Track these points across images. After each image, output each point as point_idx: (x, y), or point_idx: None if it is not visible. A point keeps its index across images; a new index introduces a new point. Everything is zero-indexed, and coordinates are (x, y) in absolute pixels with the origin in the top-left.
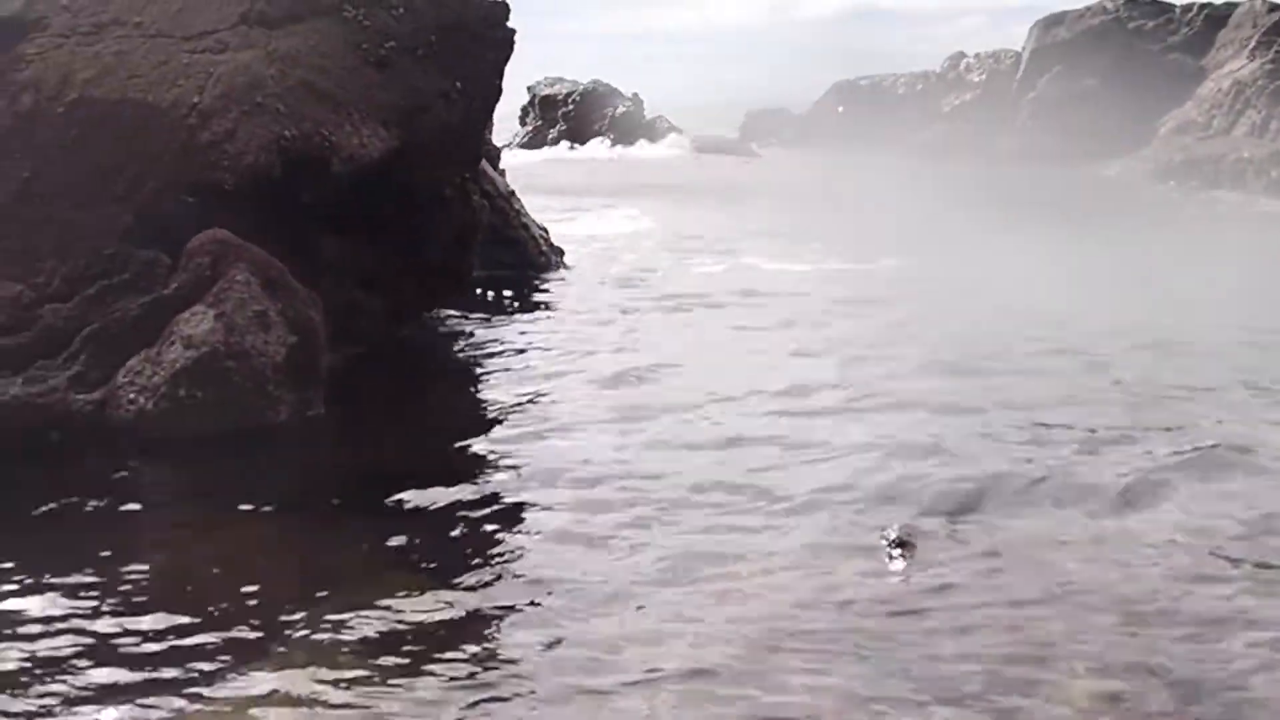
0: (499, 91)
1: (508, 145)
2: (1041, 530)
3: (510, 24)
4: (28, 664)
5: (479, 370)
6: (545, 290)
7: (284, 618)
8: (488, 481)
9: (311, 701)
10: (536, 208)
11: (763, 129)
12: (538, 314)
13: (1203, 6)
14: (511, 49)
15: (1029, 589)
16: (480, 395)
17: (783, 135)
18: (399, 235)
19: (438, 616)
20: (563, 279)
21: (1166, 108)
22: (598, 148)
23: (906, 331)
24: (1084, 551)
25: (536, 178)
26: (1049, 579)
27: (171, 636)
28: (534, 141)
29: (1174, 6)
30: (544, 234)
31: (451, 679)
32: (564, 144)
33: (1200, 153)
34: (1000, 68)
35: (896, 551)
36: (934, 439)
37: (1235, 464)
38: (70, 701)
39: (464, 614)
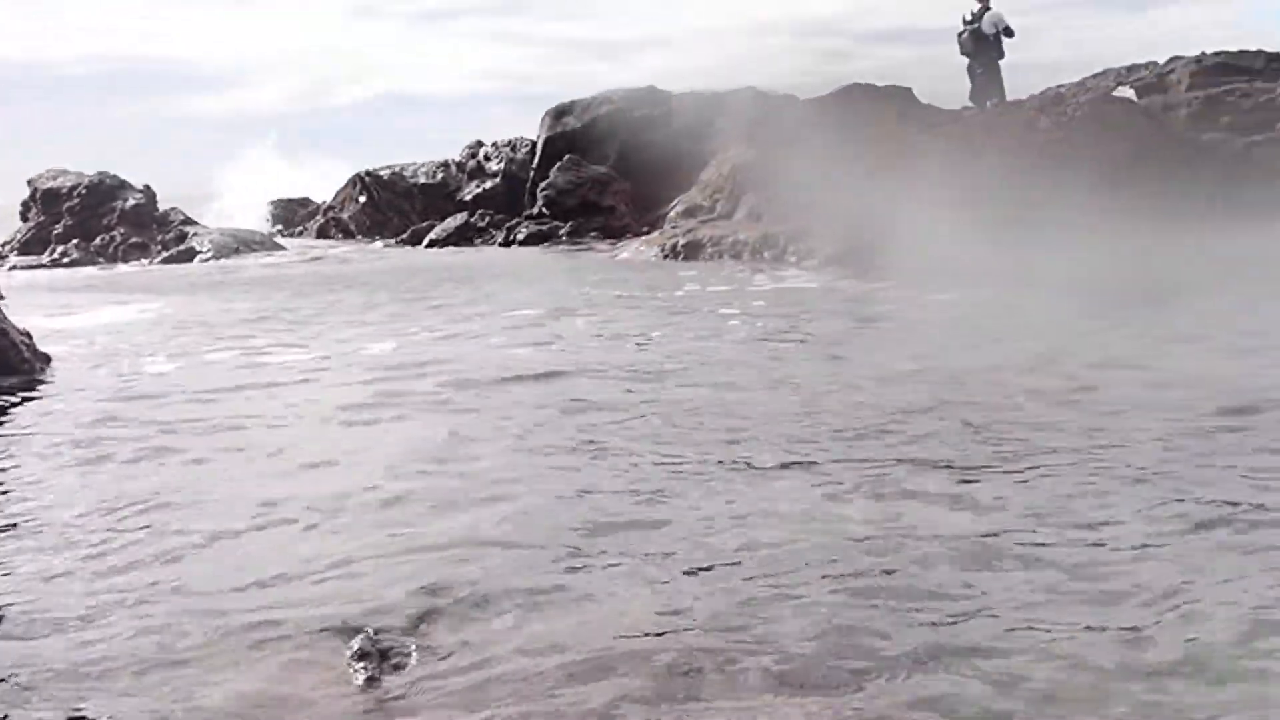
0: None
1: (8, 243)
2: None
3: None
4: None
5: None
6: (19, 400)
7: None
8: None
9: None
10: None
11: (288, 218)
12: (4, 429)
13: (698, 95)
14: None
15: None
16: None
17: (308, 225)
18: None
19: None
20: (43, 385)
21: (675, 193)
22: (103, 246)
23: (389, 429)
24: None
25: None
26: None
27: None
28: (37, 238)
29: (673, 95)
30: (26, 339)
31: None
32: (72, 241)
33: (703, 235)
34: (517, 156)
35: (360, 664)
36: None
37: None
38: None
39: None
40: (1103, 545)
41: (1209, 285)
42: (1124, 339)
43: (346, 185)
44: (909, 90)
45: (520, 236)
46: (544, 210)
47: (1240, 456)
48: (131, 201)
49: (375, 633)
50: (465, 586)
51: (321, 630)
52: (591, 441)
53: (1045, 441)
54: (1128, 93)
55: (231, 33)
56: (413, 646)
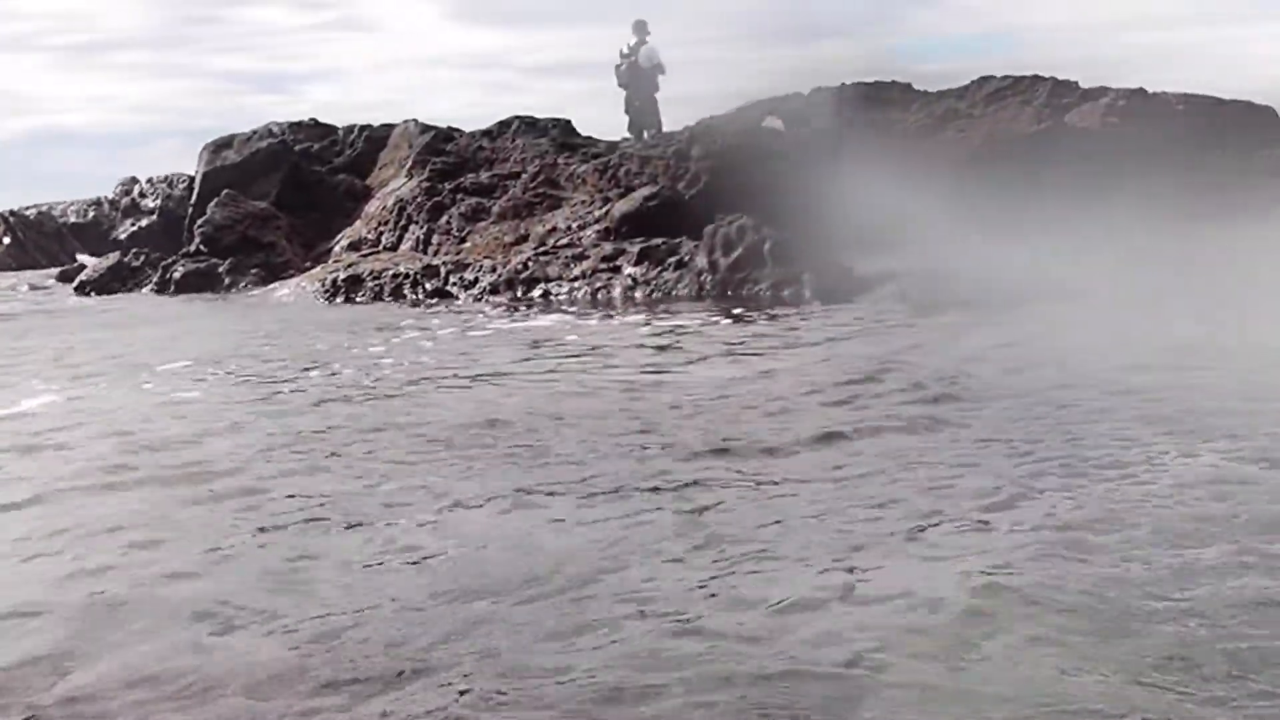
0: None
1: None
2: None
3: None
4: None
5: None
6: None
7: None
8: None
9: None
10: None
11: None
12: None
13: (363, 128)
14: None
15: None
16: None
17: None
18: None
19: None
20: None
21: (341, 226)
22: None
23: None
24: None
25: None
26: None
27: None
28: None
29: (337, 129)
30: None
31: None
32: None
33: (365, 269)
34: (175, 192)
35: None
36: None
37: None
38: None
39: None
40: None
41: None
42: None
43: None
44: (569, 122)
45: (177, 275)
46: (202, 248)
47: None
48: None
49: None
50: None
51: None
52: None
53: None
54: (776, 123)
55: None
56: None
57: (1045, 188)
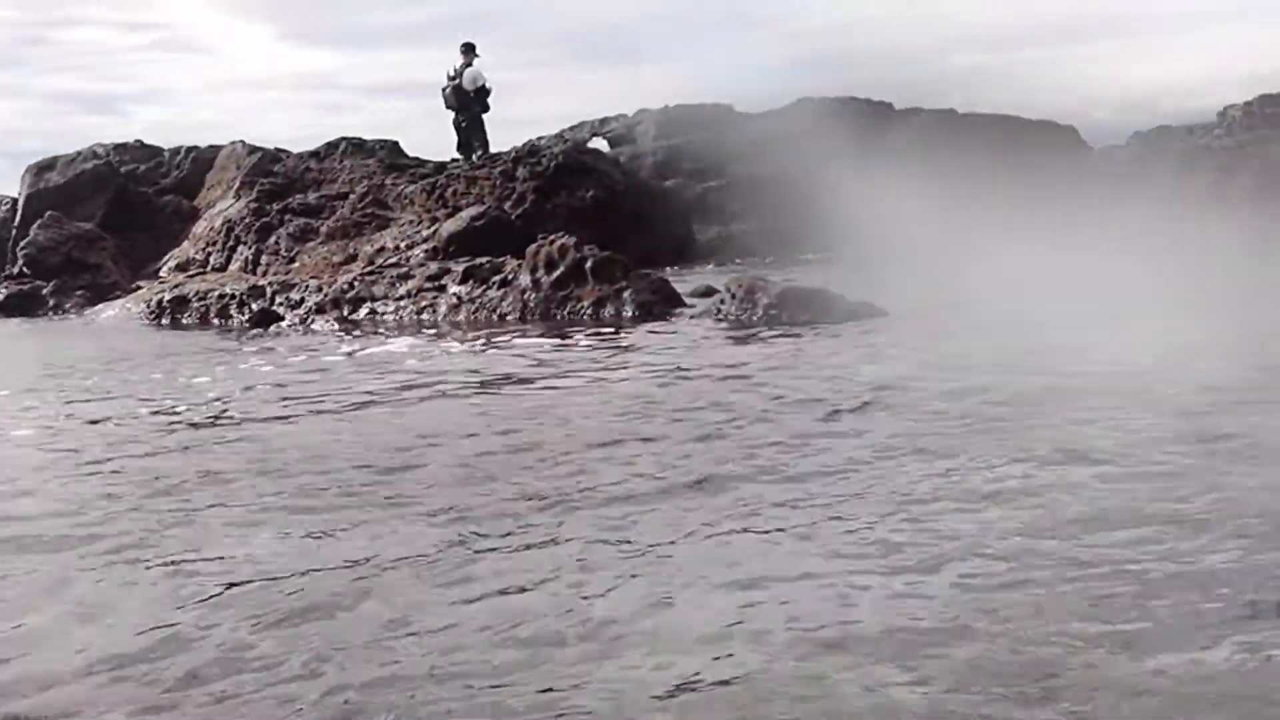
0: None
1: None
2: None
3: None
4: None
5: None
6: None
7: None
8: None
9: None
10: None
11: None
12: None
13: (190, 150)
14: None
15: None
16: None
17: None
18: None
19: None
20: None
21: (169, 247)
22: None
23: None
24: None
25: None
26: None
27: None
28: None
29: (164, 150)
30: None
31: None
32: None
33: (190, 290)
34: None
35: None
36: None
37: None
38: None
39: None
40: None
41: None
42: None
43: None
44: (396, 143)
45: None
46: (25, 270)
47: None
48: None
49: None
50: None
51: None
52: None
53: None
54: (601, 143)
55: None
56: None
57: (861, 206)
